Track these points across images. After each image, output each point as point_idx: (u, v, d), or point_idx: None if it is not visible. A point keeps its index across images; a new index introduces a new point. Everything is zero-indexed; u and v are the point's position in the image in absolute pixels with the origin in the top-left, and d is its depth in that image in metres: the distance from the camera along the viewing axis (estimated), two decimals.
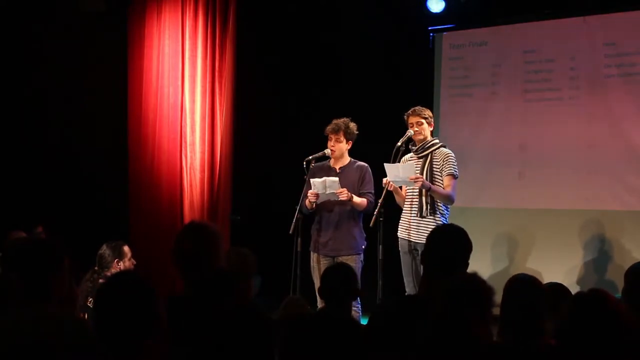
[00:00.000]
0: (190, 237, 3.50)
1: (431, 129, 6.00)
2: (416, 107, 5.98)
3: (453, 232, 3.58)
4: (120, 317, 2.46)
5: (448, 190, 5.82)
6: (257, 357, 2.38)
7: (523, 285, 3.21)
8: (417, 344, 2.50)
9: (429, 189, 5.75)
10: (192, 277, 3.34)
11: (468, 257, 3.36)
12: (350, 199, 5.96)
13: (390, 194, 5.94)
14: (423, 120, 5.91)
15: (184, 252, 3.46)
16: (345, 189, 5.94)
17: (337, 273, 4.08)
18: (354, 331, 2.45)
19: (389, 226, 5.91)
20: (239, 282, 3.25)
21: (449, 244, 3.40)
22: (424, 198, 5.80)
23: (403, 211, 5.99)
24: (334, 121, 6.14)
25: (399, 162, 5.88)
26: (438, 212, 5.81)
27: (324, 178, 6.00)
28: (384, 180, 5.82)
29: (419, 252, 5.56)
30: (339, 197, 5.95)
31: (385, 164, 5.80)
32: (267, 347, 2.40)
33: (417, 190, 5.82)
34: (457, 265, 3.35)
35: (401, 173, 5.78)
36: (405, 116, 5.96)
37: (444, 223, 5.68)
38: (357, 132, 6.16)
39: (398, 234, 5.97)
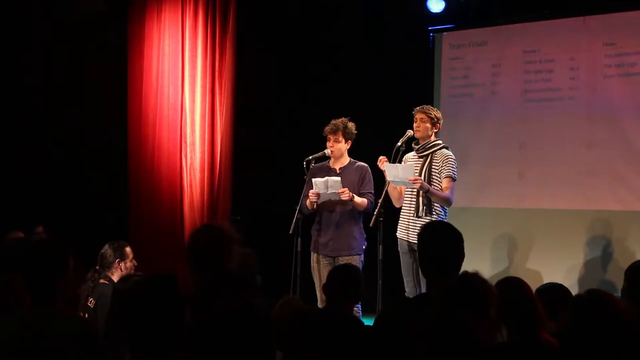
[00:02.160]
0: (206, 238, 3.51)
1: (436, 130, 5.98)
2: (426, 105, 5.98)
3: (440, 227, 3.60)
4: (153, 324, 2.34)
5: (446, 192, 5.80)
6: (257, 357, 2.38)
7: (509, 287, 3.24)
8: (419, 342, 2.51)
9: (427, 191, 5.75)
10: (203, 277, 3.35)
11: (462, 247, 3.37)
12: (351, 199, 5.96)
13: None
14: (428, 119, 5.88)
15: (197, 252, 3.47)
16: (347, 188, 5.94)
17: (344, 275, 4.08)
18: (357, 329, 2.45)
19: (389, 226, 5.91)
20: (243, 283, 3.25)
21: (441, 240, 3.40)
22: (420, 198, 5.80)
23: (402, 211, 5.99)
24: (332, 121, 6.14)
25: (399, 161, 5.88)
26: (435, 213, 5.79)
27: (326, 178, 6.00)
28: (380, 158, 5.81)
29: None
30: (340, 197, 5.95)
31: (385, 164, 5.81)
32: (268, 347, 2.41)
33: (416, 190, 5.82)
34: (454, 257, 3.35)
35: (400, 173, 5.77)
36: (413, 111, 5.95)
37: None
38: (355, 132, 6.16)
39: (397, 234, 5.96)
